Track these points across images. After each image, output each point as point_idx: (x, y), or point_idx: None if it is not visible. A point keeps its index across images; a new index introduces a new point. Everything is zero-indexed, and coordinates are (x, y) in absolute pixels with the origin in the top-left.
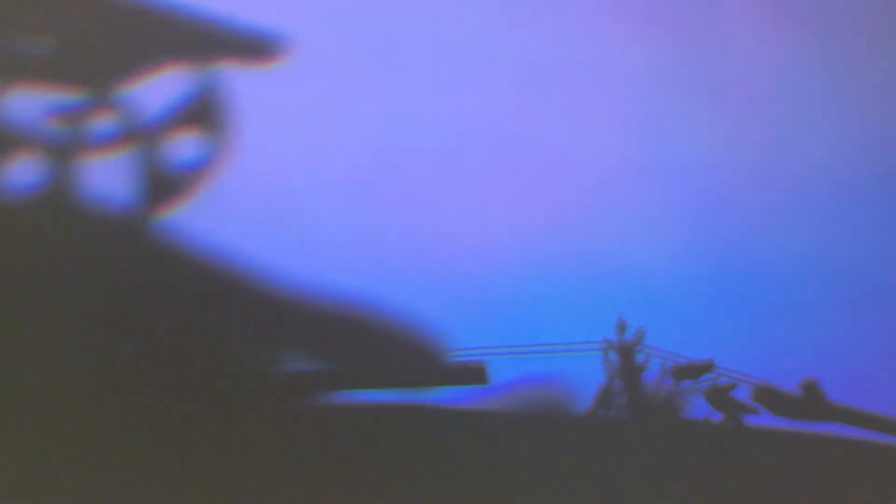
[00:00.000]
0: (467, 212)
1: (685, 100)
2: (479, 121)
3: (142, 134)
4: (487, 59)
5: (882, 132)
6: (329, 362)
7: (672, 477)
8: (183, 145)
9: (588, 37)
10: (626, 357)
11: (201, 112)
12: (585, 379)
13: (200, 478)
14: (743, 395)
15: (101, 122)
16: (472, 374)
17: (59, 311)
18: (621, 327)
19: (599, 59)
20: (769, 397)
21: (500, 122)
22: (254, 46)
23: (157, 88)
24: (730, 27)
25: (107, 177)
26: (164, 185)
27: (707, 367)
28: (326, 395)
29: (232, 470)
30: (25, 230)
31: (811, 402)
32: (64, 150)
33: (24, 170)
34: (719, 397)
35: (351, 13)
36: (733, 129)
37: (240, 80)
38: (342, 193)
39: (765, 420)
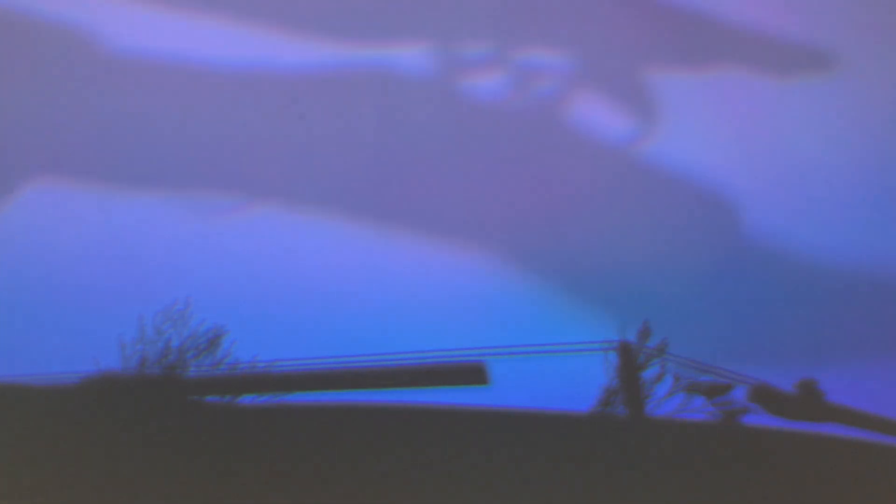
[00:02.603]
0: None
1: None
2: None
3: None
4: None
5: (881, 130)
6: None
7: (672, 477)
8: None
9: None
10: (628, 357)
11: None
12: (585, 379)
13: (199, 478)
14: (742, 395)
15: None
16: (472, 374)
17: None
18: (622, 327)
19: None
20: (768, 397)
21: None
22: None
23: None
24: None
25: None
26: None
27: (724, 389)
28: (325, 395)
29: (231, 470)
30: None
31: (810, 402)
32: None
33: None
34: (718, 396)
35: None
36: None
37: None
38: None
39: (764, 420)
